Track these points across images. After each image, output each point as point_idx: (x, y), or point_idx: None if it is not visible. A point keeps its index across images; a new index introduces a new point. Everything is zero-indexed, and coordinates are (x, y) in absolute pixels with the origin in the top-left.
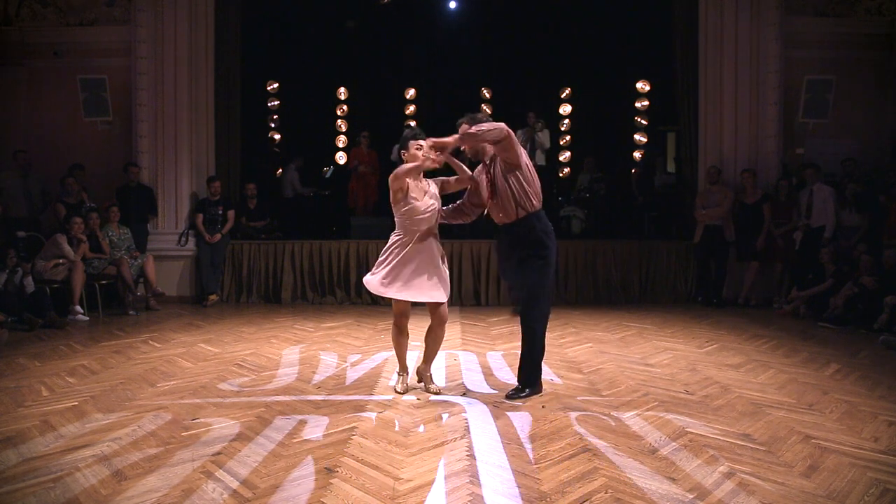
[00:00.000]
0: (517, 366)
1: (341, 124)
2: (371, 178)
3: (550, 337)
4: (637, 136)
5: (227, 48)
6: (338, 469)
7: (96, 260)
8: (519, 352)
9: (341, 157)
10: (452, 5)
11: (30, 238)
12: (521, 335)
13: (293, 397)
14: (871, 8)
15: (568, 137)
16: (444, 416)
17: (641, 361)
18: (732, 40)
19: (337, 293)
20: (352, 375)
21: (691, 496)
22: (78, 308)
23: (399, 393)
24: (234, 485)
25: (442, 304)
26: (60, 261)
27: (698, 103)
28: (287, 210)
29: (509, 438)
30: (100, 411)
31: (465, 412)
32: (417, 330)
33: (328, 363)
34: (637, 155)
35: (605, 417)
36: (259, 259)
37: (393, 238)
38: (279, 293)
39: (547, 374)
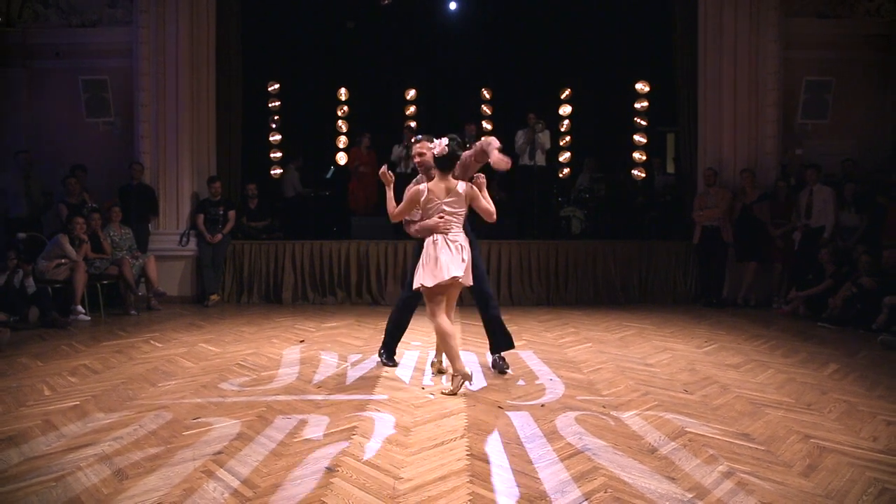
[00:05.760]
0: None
1: (342, 125)
2: (371, 178)
3: (550, 337)
4: (637, 137)
5: (229, 49)
6: (338, 468)
7: (98, 260)
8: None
9: (342, 158)
10: (452, 5)
11: (31, 238)
12: None
13: (294, 397)
14: (870, 9)
15: (568, 138)
16: (444, 415)
17: (641, 361)
18: (732, 41)
19: (337, 293)
20: (352, 375)
21: (690, 495)
22: (80, 308)
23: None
24: (235, 484)
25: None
26: (62, 261)
27: (697, 104)
28: (288, 210)
29: (509, 438)
30: (101, 411)
31: (465, 412)
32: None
33: (329, 363)
34: (637, 156)
35: (604, 417)
36: (260, 259)
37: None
38: (280, 293)
39: (546, 373)
